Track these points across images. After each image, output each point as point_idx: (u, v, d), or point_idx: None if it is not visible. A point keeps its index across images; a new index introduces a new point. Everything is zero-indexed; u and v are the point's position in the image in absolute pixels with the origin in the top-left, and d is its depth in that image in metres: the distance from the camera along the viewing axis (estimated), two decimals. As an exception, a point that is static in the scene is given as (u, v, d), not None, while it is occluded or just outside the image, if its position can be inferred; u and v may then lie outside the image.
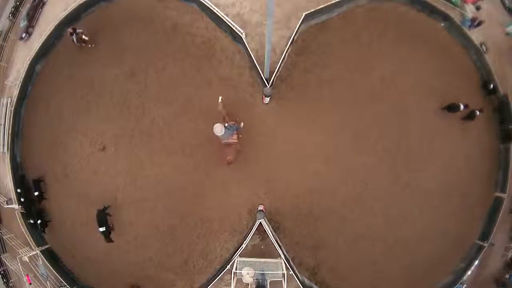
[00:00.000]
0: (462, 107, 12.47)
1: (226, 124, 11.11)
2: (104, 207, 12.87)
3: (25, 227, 13.42)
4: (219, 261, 12.77)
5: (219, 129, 10.65)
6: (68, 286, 13.16)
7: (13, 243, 13.69)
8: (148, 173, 13.06)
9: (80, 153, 13.45)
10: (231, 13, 13.20)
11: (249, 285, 11.87)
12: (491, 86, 12.92)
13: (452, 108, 12.74)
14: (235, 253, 11.97)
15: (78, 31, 13.11)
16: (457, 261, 13.09)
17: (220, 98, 11.68)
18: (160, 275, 13.05)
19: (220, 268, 12.51)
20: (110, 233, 12.86)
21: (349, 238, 12.71)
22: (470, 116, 12.69)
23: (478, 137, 13.13)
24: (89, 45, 13.58)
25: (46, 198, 13.65)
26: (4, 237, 14.14)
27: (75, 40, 13.18)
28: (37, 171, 13.75)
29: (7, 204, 13.88)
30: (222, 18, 12.62)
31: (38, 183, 13.54)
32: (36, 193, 13.42)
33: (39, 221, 13.34)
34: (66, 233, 13.59)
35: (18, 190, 13.47)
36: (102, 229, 12.56)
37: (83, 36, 13.22)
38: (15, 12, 15.06)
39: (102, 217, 12.69)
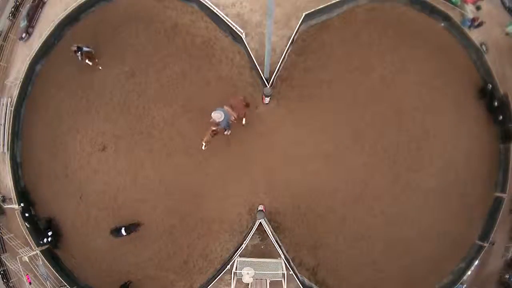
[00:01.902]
0: (490, 86, 13.01)
1: (217, 110, 11.08)
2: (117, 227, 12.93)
3: (25, 227, 13.40)
4: (219, 261, 12.77)
5: (219, 114, 10.84)
6: (68, 286, 13.15)
7: (13, 243, 13.68)
8: (148, 173, 13.05)
9: (80, 153, 13.44)
10: (231, 13, 13.21)
11: (249, 285, 11.87)
12: (489, 86, 13.02)
13: (483, 90, 13.07)
14: (235, 253, 11.98)
15: (85, 49, 12.83)
16: (457, 261, 13.10)
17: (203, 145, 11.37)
18: (160, 275, 13.04)
19: (220, 268, 12.51)
20: (134, 226, 12.87)
21: (349, 238, 12.71)
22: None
23: (478, 137, 13.13)
24: (98, 67, 13.46)
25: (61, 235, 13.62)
26: (4, 237, 14.13)
27: (79, 58, 12.96)
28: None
29: (3, 202, 13.88)
30: (222, 18, 12.63)
31: (49, 223, 13.47)
32: (50, 233, 13.31)
33: (49, 239, 13.32)
34: (66, 233, 13.57)
35: (22, 204, 13.44)
36: (123, 231, 12.62)
37: (87, 61, 13.03)
38: (15, 12, 15.09)
39: (116, 229, 12.82)
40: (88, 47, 12.98)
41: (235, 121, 11.67)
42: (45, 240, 13.25)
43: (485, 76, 13.25)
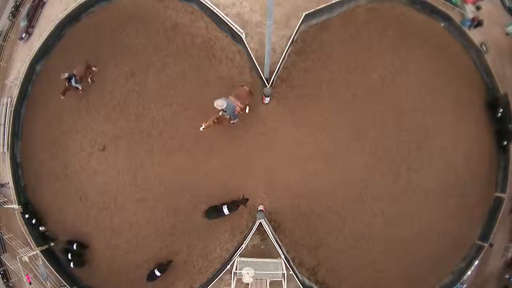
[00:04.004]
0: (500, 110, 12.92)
1: (220, 98, 10.99)
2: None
3: (25, 227, 13.41)
4: (219, 261, 12.75)
5: (220, 102, 10.72)
6: (68, 286, 13.16)
7: (13, 243, 13.69)
8: (148, 173, 13.05)
9: (80, 153, 13.43)
10: (231, 13, 13.21)
11: (249, 285, 11.87)
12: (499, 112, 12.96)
13: (492, 101, 13.01)
14: (235, 253, 11.97)
15: (73, 84, 12.54)
16: (457, 261, 13.10)
17: (202, 127, 11.42)
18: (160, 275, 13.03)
19: (220, 268, 12.51)
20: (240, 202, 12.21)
21: (349, 238, 12.71)
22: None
23: (478, 137, 13.13)
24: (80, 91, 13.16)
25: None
26: (4, 237, 14.15)
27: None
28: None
29: (1, 187, 14.10)
30: (222, 18, 12.63)
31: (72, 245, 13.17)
32: (75, 245, 13.05)
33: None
34: (66, 234, 13.57)
35: (27, 216, 13.41)
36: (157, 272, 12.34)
37: (61, 96, 12.70)
38: (15, 12, 15.12)
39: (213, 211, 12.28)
40: (78, 83, 12.62)
41: (241, 112, 11.69)
42: (71, 264, 13.05)
43: (485, 76, 13.25)
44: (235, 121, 12.14)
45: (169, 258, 12.83)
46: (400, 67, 13.01)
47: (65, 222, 13.55)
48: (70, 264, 13.06)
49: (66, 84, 12.50)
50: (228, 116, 11.52)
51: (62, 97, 12.79)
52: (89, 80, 13.14)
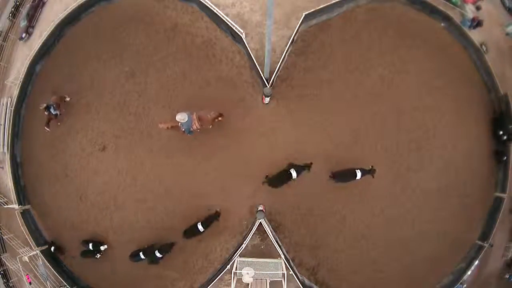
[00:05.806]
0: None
1: (183, 113, 11.47)
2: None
3: (25, 227, 13.40)
4: (219, 261, 12.76)
5: (181, 116, 11.37)
6: (68, 286, 13.16)
7: (13, 243, 13.68)
8: (148, 173, 13.04)
9: (80, 153, 13.43)
10: (231, 13, 13.20)
11: (249, 285, 11.87)
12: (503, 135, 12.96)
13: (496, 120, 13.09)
14: (235, 253, 11.98)
15: (52, 112, 12.68)
16: (457, 261, 13.11)
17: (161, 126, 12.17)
18: (160, 275, 13.03)
19: (220, 268, 12.51)
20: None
21: (349, 238, 12.71)
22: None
23: (478, 137, 13.13)
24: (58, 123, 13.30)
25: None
26: (4, 237, 14.15)
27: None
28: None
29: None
30: (222, 18, 12.63)
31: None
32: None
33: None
34: (66, 233, 13.57)
35: (52, 248, 13.44)
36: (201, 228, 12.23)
37: (46, 128, 13.03)
38: (15, 12, 15.07)
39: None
40: (56, 110, 12.80)
41: (198, 131, 12.07)
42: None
43: (485, 76, 13.26)
44: (187, 134, 12.36)
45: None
46: (400, 67, 13.01)
47: (65, 222, 13.50)
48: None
49: (47, 114, 12.79)
50: (183, 130, 11.90)
51: (48, 129, 13.10)
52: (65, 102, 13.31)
